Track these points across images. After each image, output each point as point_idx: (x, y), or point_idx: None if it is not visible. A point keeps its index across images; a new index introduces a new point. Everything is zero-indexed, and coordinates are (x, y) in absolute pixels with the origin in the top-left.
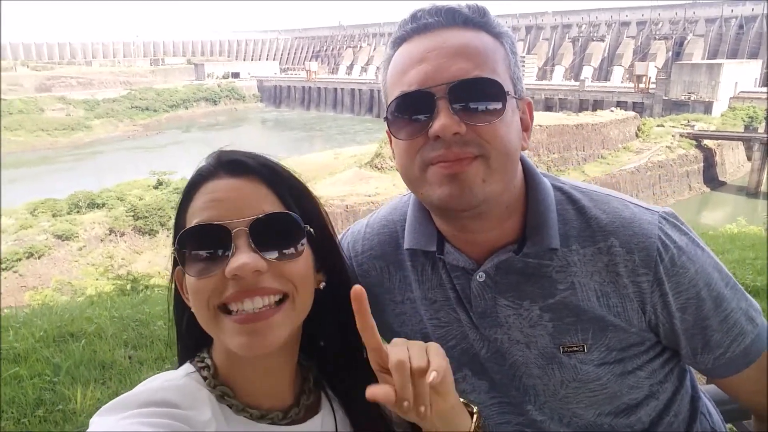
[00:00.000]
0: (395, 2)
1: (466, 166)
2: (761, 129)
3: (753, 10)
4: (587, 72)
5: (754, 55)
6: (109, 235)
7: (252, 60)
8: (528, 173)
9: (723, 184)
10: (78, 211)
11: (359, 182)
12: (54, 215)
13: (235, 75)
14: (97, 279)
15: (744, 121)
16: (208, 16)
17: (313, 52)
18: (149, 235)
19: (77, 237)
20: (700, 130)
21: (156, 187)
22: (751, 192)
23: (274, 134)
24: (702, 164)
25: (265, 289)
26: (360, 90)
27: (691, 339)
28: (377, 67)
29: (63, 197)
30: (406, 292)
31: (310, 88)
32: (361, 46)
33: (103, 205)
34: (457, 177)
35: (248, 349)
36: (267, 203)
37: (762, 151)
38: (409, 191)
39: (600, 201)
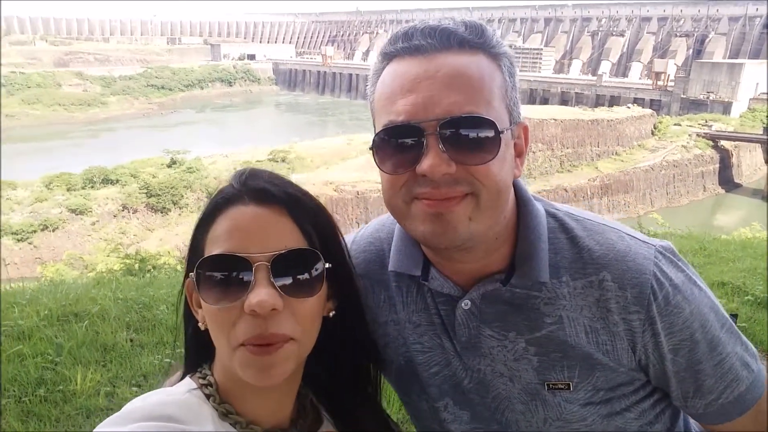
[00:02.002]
0: None
1: (454, 206)
2: None
3: None
4: (605, 67)
5: None
6: (122, 211)
7: (268, 42)
8: (520, 199)
9: (738, 186)
10: (92, 186)
11: (371, 169)
12: (68, 189)
13: (251, 57)
14: (108, 255)
15: (763, 122)
16: None
17: (329, 36)
18: (161, 212)
19: (91, 212)
20: (717, 131)
21: (169, 166)
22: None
23: (288, 118)
24: (718, 165)
25: (277, 336)
26: None
27: (683, 382)
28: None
29: (78, 172)
30: (390, 314)
31: (325, 72)
32: (377, 33)
33: (117, 181)
34: (442, 216)
35: (257, 381)
36: (290, 237)
37: None
38: None
39: (594, 231)
